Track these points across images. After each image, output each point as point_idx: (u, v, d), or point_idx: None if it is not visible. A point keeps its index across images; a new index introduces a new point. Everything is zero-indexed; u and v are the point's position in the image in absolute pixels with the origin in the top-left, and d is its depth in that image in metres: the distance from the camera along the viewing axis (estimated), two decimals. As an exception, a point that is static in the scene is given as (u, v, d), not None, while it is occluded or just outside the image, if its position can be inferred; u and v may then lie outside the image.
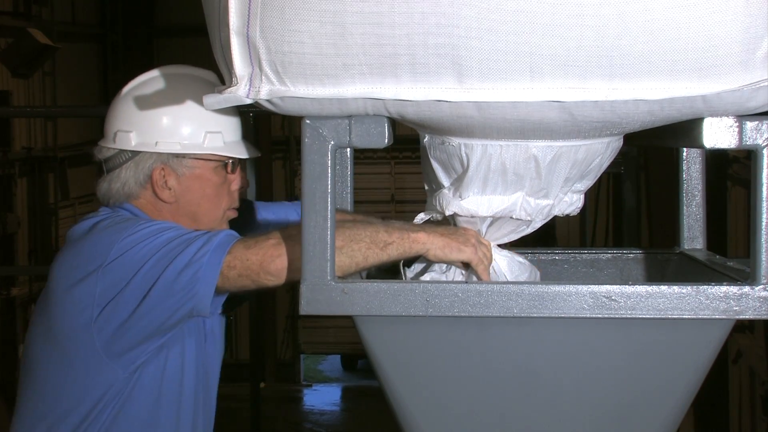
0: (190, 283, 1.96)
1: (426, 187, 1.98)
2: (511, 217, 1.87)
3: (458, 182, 1.84)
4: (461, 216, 1.89)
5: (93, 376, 2.07)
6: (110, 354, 2.04)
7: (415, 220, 2.03)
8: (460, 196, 1.85)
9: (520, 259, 2.00)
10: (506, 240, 1.97)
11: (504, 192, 1.83)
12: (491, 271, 1.95)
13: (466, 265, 1.91)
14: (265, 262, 1.92)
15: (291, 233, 1.93)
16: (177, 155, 2.14)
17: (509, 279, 1.95)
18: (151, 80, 2.19)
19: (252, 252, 1.94)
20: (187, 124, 2.13)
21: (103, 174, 2.19)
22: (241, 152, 2.18)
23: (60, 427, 2.09)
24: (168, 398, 2.14)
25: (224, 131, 2.15)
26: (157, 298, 1.98)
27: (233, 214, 2.23)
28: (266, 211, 2.49)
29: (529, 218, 1.86)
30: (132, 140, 2.14)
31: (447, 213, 1.89)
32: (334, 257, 1.73)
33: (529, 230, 1.92)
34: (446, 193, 1.87)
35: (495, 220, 1.90)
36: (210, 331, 2.24)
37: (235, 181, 2.21)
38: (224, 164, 2.18)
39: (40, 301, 2.15)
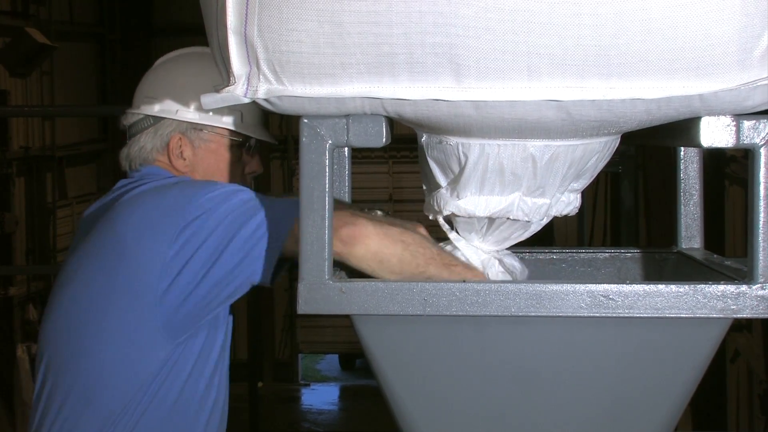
0: (256, 251, 1.96)
1: (424, 187, 1.98)
2: (508, 218, 1.87)
3: (455, 182, 1.84)
4: (459, 216, 1.89)
5: (146, 352, 2.03)
6: (169, 327, 2.01)
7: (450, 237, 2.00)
8: (458, 196, 1.85)
9: (516, 262, 2.00)
10: (505, 246, 1.96)
11: (501, 192, 1.83)
12: (493, 273, 1.96)
13: None
14: (336, 227, 1.85)
15: (363, 213, 1.98)
16: (195, 127, 2.21)
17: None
18: (184, 55, 2.30)
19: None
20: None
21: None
22: (257, 133, 2.23)
23: (109, 412, 2.05)
24: (202, 375, 2.12)
25: (245, 111, 2.20)
26: (226, 264, 1.97)
27: None
28: None
29: (526, 218, 1.86)
30: (155, 106, 2.22)
31: (444, 213, 1.89)
32: (332, 257, 1.73)
33: (528, 234, 1.92)
34: (443, 192, 1.87)
35: (493, 223, 1.90)
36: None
37: (250, 164, 2.26)
38: (239, 144, 2.21)
39: (82, 264, 2.08)
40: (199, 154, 2.22)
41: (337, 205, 1.93)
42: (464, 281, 1.77)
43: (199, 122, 2.20)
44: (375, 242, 1.90)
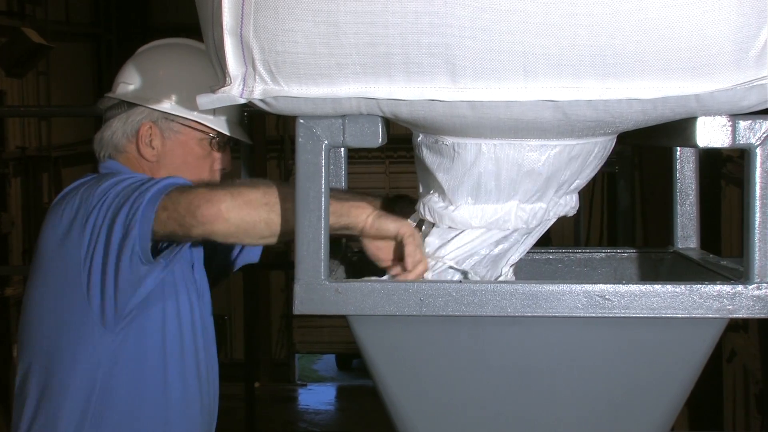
0: (132, 226, 1.96)
1: (420, 190, 1.96)
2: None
3: (449, 186, 1.81)
4: (456, 228, 1.83)
5: (90, 343, 2.06)
6: (105, 320, 2.04)
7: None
8: (451, 203, 1.83)
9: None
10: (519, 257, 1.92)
11: (497, 200, 1.80)
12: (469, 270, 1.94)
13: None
14: (192, 206, 1.89)
15: (226, 185, 1.92)
16: (167, 117, 2.21)
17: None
18: (165, 45, 2.32)
19: (183, 196, 1.92)
20: (183, 88, 2.18)
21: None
22: (229, 130, 2.23)
23: (65, 407, 2.08)
24: (172, 356, 2.14)
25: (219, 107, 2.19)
26: (116, 246, 1.99)
27: None
28: None
29: (524, 225, 1.83)
30: (130, 92, 2.24)
31: (441, 226, 1.83)
32: (329, 256, 1.73)
33: (532, 240, 1.89)
34: (436, 201, 1.84)
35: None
36: (202, 287, 2.25)
37: (219, 160, 2.26)
38: (210, 139, 2.22)
39: (35, 273, 2.14)
40: (167, 145, 2.23)
41: (192, 185, 1.95)
42: (460, 282, 1.77)
43: (170, 112, 2.20)
44: (234, 215, 1.85)
